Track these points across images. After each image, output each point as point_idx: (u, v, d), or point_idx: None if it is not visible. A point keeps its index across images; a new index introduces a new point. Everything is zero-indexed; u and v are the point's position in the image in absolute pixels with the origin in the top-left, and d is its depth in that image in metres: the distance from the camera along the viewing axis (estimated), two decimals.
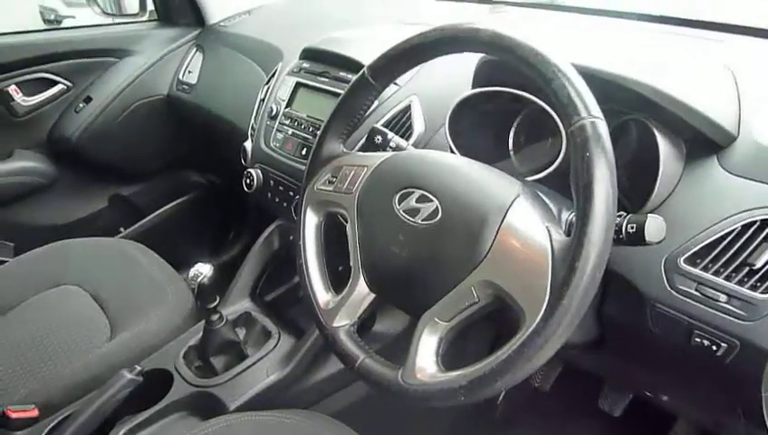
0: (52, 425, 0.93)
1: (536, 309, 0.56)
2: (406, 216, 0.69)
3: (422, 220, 0.67)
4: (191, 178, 1.97)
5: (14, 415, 0.92)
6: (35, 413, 0.94)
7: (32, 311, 1.15)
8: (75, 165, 1.73)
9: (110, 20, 1.83)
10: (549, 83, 0.58)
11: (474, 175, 0.69)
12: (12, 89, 1.56)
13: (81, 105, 1.67)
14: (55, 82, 1.64)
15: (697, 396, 0.84)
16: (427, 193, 0.68)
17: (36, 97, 1.61)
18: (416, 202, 0.69)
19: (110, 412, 0.90)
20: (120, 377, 0.91)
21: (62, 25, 3.29)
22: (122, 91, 1.69)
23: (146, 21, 1.85)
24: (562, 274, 0.54)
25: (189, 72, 1.71)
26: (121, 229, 1.81)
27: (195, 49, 1.76)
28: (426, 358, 0.64)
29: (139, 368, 0.94)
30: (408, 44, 0.72)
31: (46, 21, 3.61)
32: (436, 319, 0.64)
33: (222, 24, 1.79)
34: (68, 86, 1.66)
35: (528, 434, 1.40)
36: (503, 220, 0.62)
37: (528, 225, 0.61)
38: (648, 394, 1.00)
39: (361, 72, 0.78)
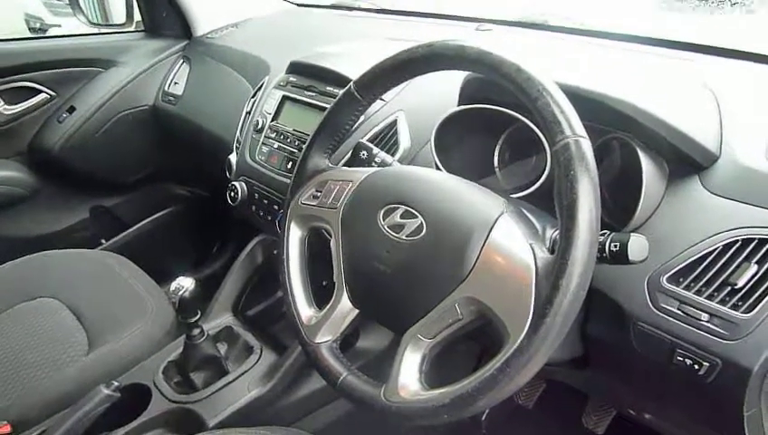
0: None
1: (520, 327, 0.55)
2: (390, 231, 0.68)
3: (406, 236, 0.67)
4: (174, 190, 1.95)
5: None
6: (8, 430, 0.91)
7: (7, 324, 1.12)
8: (56, 175, 1.71)
9: (95, 30, 1.82)
10: (534, 102, 0.58)
11: (458, 191, 0.69)
12: None
13: (64, 115, 1.65)
14: (38, 91, 1.62)
15: (680, 415, 0.84)
16: (411, 209, 0.68)
17: (18, 106, 1.60)
18: (400, 218, 0.68)
19: (85, 429, 0.88)
20: (96, 392, 0.89)
21: (48, 34, 3.28)
22: (107, 102, 1.67)
23: (132, 32, 1.84)
24: (546, 292, 0.54)
25: (175, 83, 1.70)
26: (102, 241, 1.79)
27: (181, 60, 1.75)
28: (409, 375, 0.64)
29: (116, 383, 0.92)
30: (395, 60, 0.72)
31: (32, 29, 3.59)
32: (420, 336, 0.64)
33: (209, 36, 1.78)
34: (51, 96, 1.64)
35: None
36: (487, 237, 0.62)
37: (512, 242, 0.61)
38: (632, 412, 1.00)
39: (348, 86, 0.78)
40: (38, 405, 0.96)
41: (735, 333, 0.65)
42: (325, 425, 1.11)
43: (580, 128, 0.56)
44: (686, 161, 0.75)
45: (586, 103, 0.66)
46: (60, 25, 3.55)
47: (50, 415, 0.94)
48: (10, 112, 1.58)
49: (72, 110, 1.66)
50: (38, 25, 3.66)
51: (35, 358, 1.04)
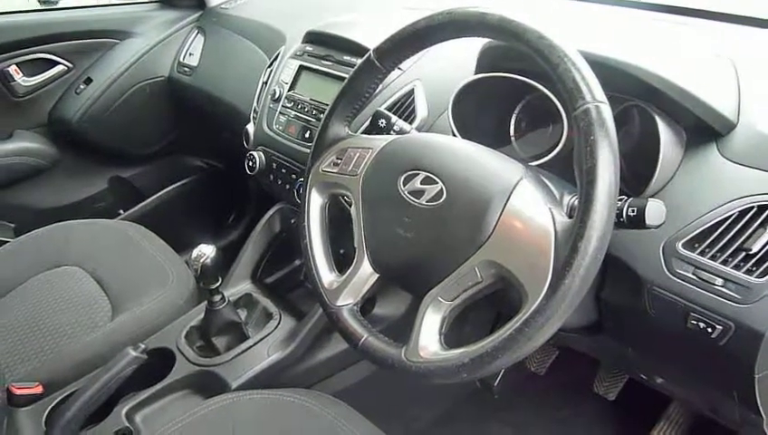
0: (56, 401, 0.94)
1: (538, 289, 0.57)
2: (410, 197, 0.70)
3: (426, 202, 0.68)
4: (192, 161, 1.97)
5: (18, 392, 0.93)
6: (40, 390, 0.95)
7: (33, 291, 1.16)
8: (75, 146, 1.73)
9: (109, 1, 1.82)
10: (555, 68, 0.58)
11: (478, 158, 0.70)
12: (12, 69, 1.56)
13: (81, 86, 1.67)
14: (56, 63, 1.63)
15: (692, 379, 0.86)
16: (431, 175, 0.69)
17: (37, 77, 1.61)
18: (420, 184, 0.69)
19: (114, 389, 0.91)
20: (124, 354, 0.92)
21: (59, 6, 3.26)
22: (123, 73, 1.69)
23: (147, 2, 1.84)
24: (565, 254, 0.55)
25: (190, 54, 1.71)
26: (121, 211, 1.81)
27: (196, 31, 1.75)
28: (429, 336, 0.65)
29: (143, 346, 0.95)
30: (414, 28, 0.72)
31: (42, 2, 3.57)
32: (440, 298, 0.65)
33: (223, 6, 1.78)
34: (68, 67, 1.65)
35: (523, 417, 1.42)
36: (506, 202, 0.63)
37: (531, 207, 0.62)
38: (643, 377, 1.02)
39: (368, 54, 0.78)
40: (67, 367, 1.00)
41: (749, 297, 0.66)
42: (343, 388, 1.14)
43: (600, 94, 0.57)
44: (703, 129, 0.75)
45: (606, 71, 0.66)
46: None
47: (79, 376, 0.98)
48: (29, 84, 1.60)
49: (88, 81, 1.67)
50: None
51: (62, 323, 1.07)
